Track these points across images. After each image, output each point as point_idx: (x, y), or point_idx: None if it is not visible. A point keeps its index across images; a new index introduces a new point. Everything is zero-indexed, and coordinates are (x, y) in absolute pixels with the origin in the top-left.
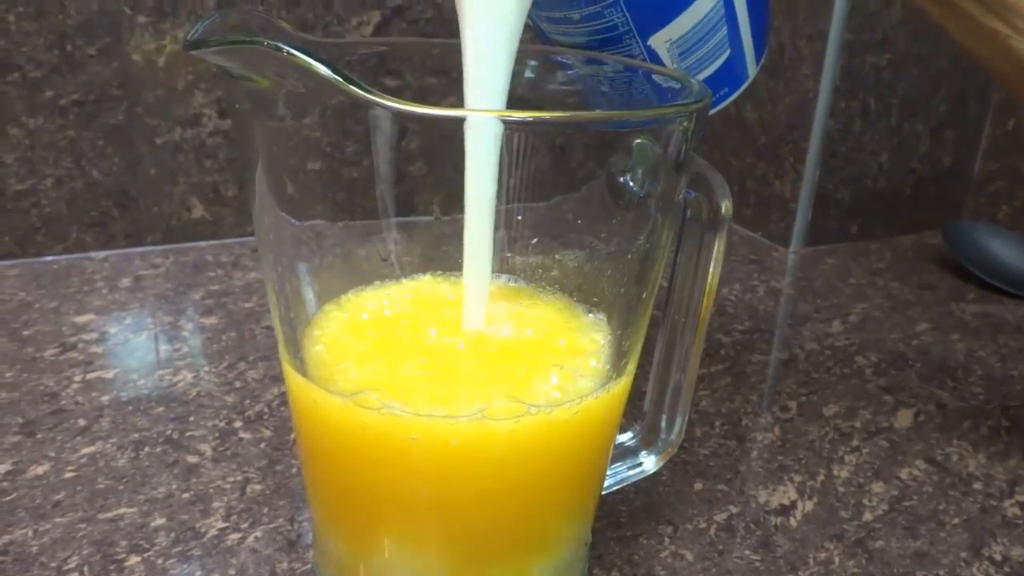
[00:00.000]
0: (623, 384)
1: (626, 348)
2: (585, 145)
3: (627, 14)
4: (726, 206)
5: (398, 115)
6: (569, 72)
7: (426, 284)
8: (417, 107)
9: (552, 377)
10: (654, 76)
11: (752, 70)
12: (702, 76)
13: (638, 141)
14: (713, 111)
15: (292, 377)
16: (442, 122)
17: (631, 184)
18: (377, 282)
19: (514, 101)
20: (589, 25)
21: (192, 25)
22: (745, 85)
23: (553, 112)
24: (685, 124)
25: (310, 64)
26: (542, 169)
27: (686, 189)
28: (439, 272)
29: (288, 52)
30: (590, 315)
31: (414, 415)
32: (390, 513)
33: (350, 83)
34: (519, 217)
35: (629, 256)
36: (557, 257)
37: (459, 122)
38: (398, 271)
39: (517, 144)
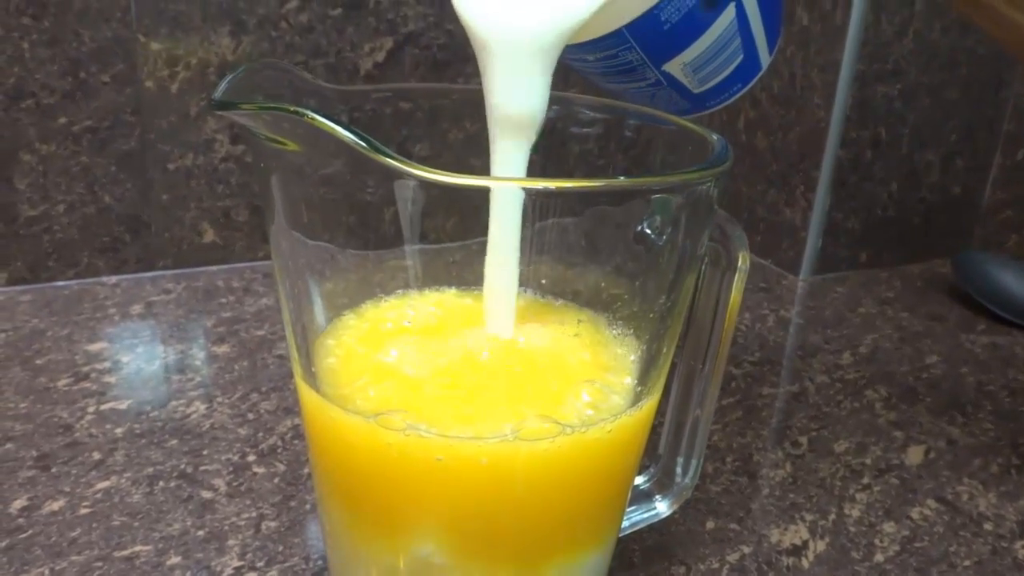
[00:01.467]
0: (654, 401)
1: (656, 363)
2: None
3: (641, 52)
4: (743, 256)
5: (424, 183)
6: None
7: (449, 297)
8: (443, 175)
9: (584, 394)
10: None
11: (765, 61)
12: (716, 81)
13: (657, 196)
14: (727, 103)
15: (307, 394)
16: (466, 190)
17: (649, 232)
18: (400, 291)
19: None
20: (605, 63)
21: (204, 51)
22: (758, 76)
23: (577, 181)
24: (709, 184)
25: (336, 131)
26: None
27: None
28: (464, 287)
29: (312, 118)
30: (615, 329)
31: (440, 436)
32: (411, 530)
33: (377, 151)
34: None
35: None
36: (582, 275)
37: (484, 191)
38: (420, 283)
39: (539, 205)
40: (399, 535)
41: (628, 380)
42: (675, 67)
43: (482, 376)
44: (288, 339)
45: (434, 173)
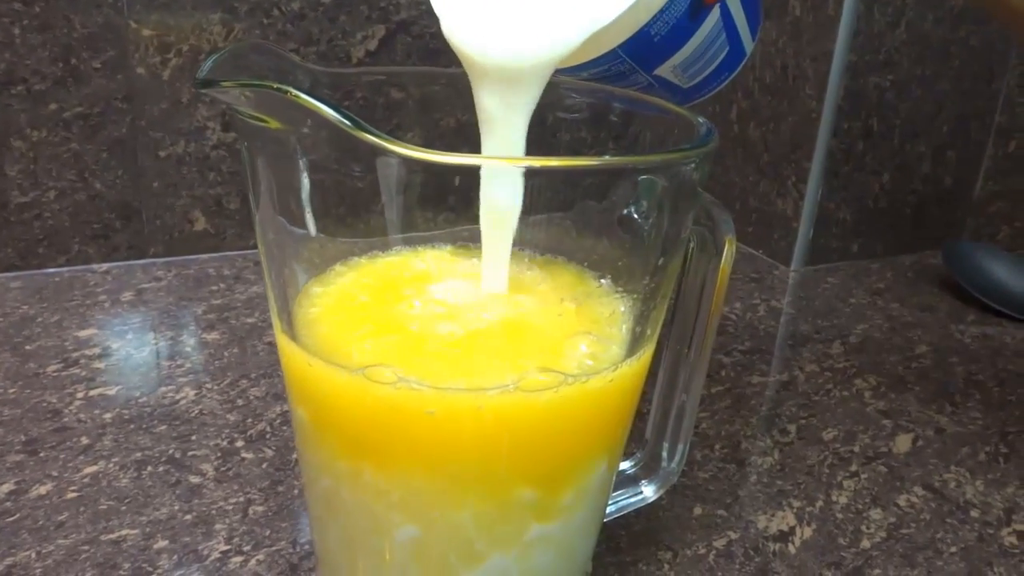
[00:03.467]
0: (651, 350)
1: (651, 317)
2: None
3: (632, 63)
4: (729, 241)
5: (408, 160)
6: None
7: (444, 254)
8: (429, 154)
9: (582, 345)
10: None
11: (749, 48)
12: (705, 75)
13: (643, 177)
14: (716, 92)
15: (287, 347)
16: (454, 168)
17: (636, 216)
18: (395, 248)
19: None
20: (596, 74)
21: (195, 39)
22: (743, 63)
23: (562, 159)
24: (694, 166)
25: (319, 108)
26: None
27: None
28: (460, 243)
29: (296, 95)
30: (604, 281)
31: (433, 388)
32: (404, 471)
33: (359, 128)
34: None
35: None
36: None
37: (473, 169)
38: (413, 241)
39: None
40: (391, 479)
41: (625, 329)
42: (666, 70)
43: (478, 329)
44: (267, 292)
45: (417, 151)
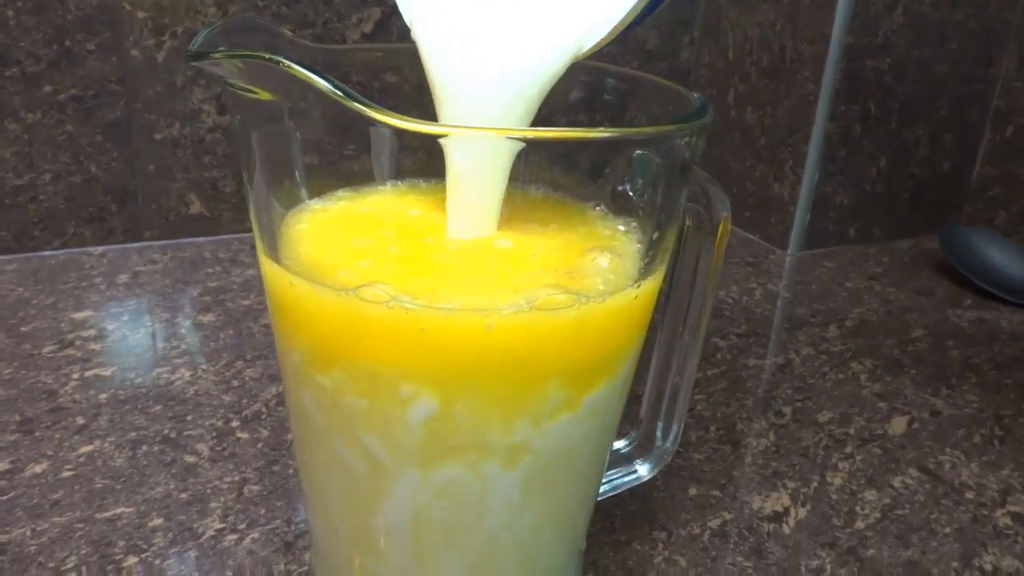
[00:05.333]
0: (662, 272)
1: (657, 244)
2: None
3: None
4: (725, 218)
5: (399, 131)
6: None
7: (440, 189)
8: (420, 124)
9: (602, 261)
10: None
11: None
12: None
13: (638, 152)
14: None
15: (270, 269)
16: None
17: (631, 193)
18: (392, 182)
19: None
20: None
21: (190, 20)
22: None
23: (556, 131)
24: (687, 139)
25: (311, 78)
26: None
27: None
28: None
29: (288, 65)
30: (598, 208)
31: (430, 307)
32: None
33: (351, 98)
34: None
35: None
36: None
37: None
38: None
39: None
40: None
41: (638, 247)
42: None
43: (484, 252)
44: (250, 213)
45: (410, 122)
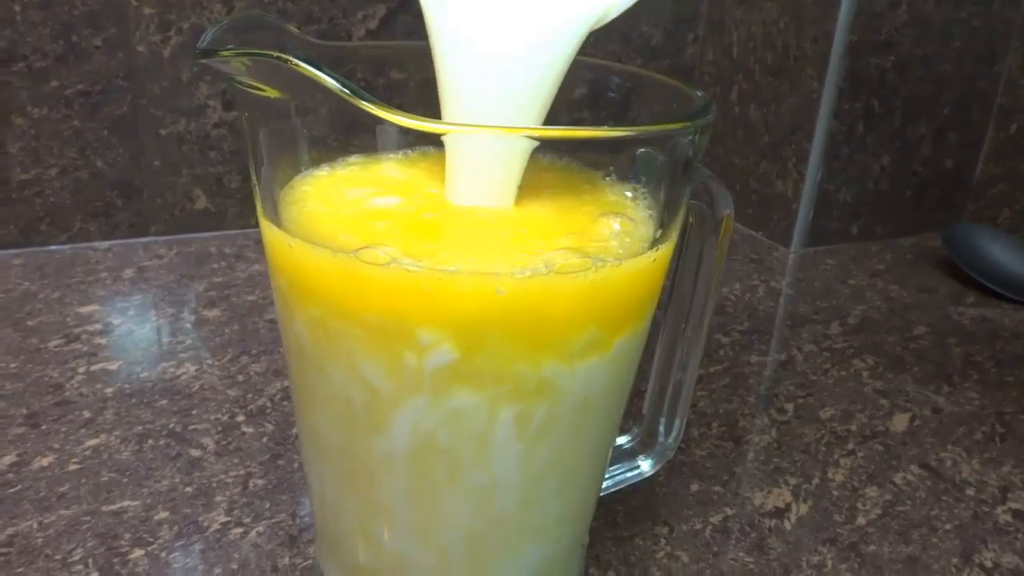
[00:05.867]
0: (676, 237)
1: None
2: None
3: None
4: (728, 216)
5: (406, 131)
6: None
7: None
8: (427, 123)
9: (615, 224)
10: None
11: None
12: None
13: (642, 151)
14: None
15: (271, 233)
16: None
17: (634, 191)
18: (402, 151)
19: None
20: None
21: (196, 16)
22: None
23: (560, 128)
24: (691, 138)
25: (319, 77)
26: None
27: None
28: None
29: (296, 64)
30: (608, 178)
31: (443, 271)
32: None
33: (358, 97)
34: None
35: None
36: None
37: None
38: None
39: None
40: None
41: (652, 214)
42: None
43: (496, 216)
44: (252, 180)
45: (417, 120)
